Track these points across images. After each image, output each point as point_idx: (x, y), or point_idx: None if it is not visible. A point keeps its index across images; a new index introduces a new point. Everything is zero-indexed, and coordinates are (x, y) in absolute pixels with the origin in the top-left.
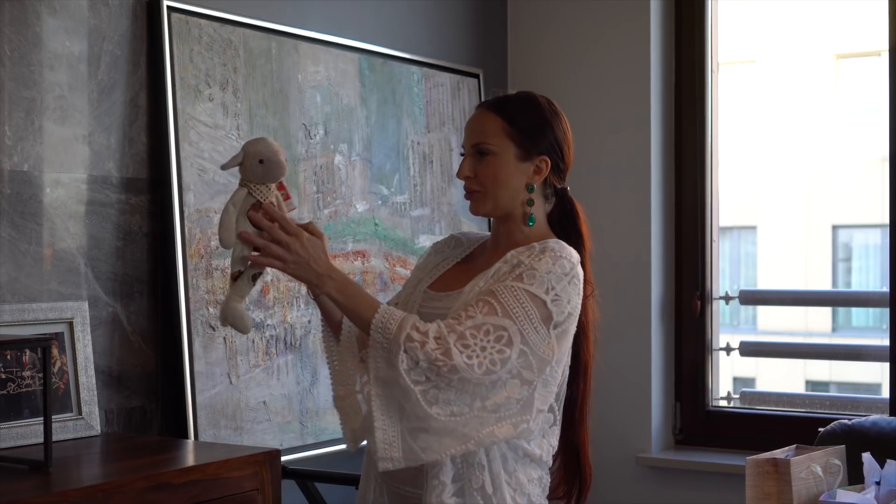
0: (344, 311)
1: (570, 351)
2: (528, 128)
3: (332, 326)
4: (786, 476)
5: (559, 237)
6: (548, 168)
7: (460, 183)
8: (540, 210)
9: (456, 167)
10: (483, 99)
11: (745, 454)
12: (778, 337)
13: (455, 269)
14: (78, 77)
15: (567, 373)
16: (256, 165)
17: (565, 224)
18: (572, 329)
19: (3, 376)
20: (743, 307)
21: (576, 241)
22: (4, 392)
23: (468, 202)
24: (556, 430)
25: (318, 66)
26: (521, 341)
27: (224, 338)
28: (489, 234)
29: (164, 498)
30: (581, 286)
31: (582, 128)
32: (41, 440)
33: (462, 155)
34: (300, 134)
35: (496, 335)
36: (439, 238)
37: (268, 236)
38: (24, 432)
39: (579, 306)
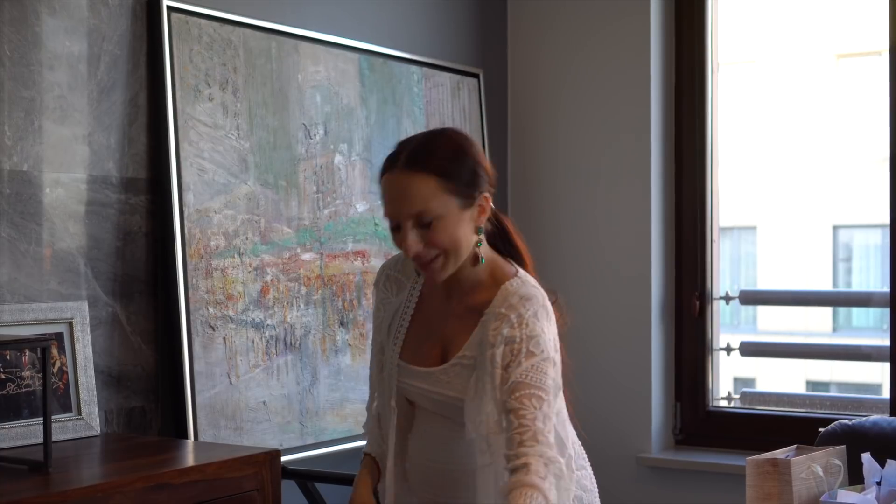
0: None
1: None
2: (462, 175)
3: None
4: (786, 476)
5: (500, 254)
6: (488, 203)
7: None
8: (484, 241)
9: None
10: (481, 101)
11: (745, 454)
12: (778, 337)
13: (415, 330)
14: (78, 77)
15: None
16: None
17: (502, 241)
18: None
19: (3, 376)
20: (743, 307)
21: (515, 255)
22: (4, 392)
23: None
24: None
25: (318, 66)
26: (552, 397)
27: (224, 338)
28: None
29: (164, 498)
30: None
31: (581, 126)
32: (41, 440)
33: (393, 228)
34: (300, 134)
35: (553, 411)
36: None
37: None
38: (24, 432)
39: None
